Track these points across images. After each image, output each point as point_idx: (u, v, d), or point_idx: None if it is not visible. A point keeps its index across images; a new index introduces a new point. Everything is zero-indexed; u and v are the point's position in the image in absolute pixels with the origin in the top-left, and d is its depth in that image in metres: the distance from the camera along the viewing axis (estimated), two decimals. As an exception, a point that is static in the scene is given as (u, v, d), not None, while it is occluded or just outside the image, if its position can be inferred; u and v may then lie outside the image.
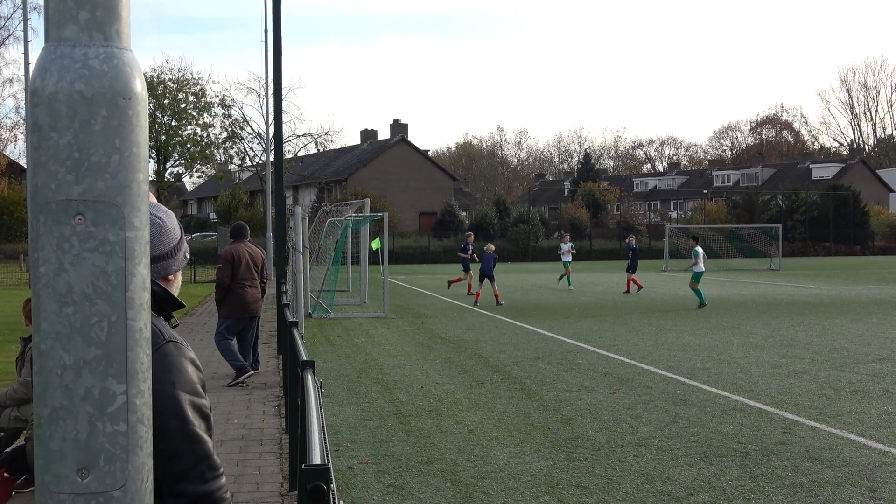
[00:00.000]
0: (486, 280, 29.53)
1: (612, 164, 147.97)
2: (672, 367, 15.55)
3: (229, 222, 75.05)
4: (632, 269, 34.60)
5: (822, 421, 11.12)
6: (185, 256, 3.09)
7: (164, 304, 2.95)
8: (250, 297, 14.24)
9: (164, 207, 3.10)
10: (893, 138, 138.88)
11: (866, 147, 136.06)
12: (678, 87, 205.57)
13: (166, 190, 70.88)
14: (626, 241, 37.48)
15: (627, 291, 34.46)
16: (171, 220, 3.06)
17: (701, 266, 28.80)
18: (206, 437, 2.77)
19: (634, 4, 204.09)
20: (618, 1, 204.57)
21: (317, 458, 3.43)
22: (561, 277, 38.19)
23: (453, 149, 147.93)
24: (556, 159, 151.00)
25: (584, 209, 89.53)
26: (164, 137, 67.00)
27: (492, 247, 30.87)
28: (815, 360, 16.29)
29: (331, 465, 3.31)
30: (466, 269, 33.91)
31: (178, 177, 75.32)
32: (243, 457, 9.56)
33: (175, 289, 3.07)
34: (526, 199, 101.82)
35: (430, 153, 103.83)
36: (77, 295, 1.68)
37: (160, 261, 2.95)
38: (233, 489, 8.30)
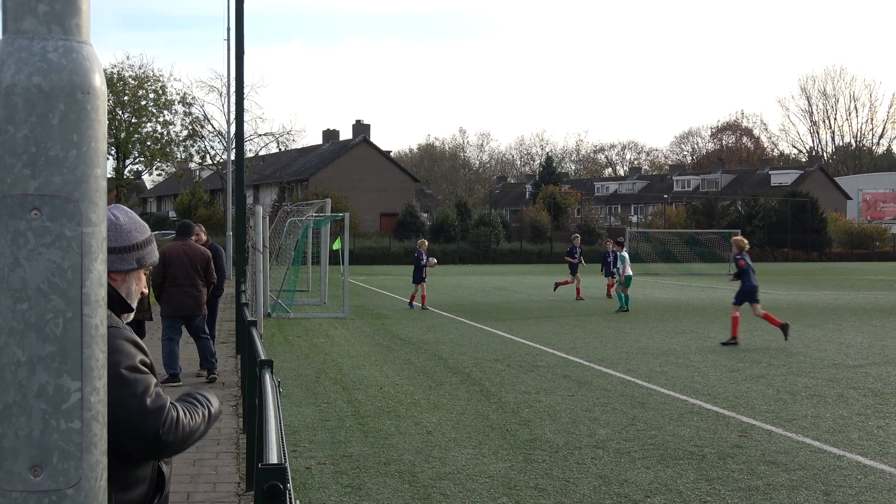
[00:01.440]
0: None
1: (573, 167, 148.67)
2: (630, 370, 15.62)
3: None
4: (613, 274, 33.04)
5: (778, 425, 11.21)
6: (139, 263, 3.19)
7: (112, 304, 3.02)
8: (182, 297, 14.02)
9: (131, 213, 3.19)
10: (851, 146, 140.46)
11: (825, 154, 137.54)
12: (640, 93, 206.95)
13: (126, 188, 70.30)
14: (611, 245, 34.84)
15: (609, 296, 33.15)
16: (131, 221, 3.15)
17: (629, 270, 28.67)
18: (158, 404, 2.97)
19: (597, 10, 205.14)
20: (581, 6, 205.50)
21: (273, 458, 3.41)
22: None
23: (415, 150, 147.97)
24: (518, 162, 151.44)
25: (545, 212, 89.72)
26: (123, 134, 66.38)
27: (424, 242, 29.56)
28: (772, 364, 16.43)
29: (288, 464, 3.30)
30: (574, 272, 32.97)
31: (138, 174, 74.57)
32: (200, 456, 9.50)
33: (125, 292, 3.13)
34: (487, 202, 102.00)
35: (392, 154, 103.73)
36: (32, 290, 1.66)
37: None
38: (189, 489, 8.26)
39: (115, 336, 2.91)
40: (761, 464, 9.31)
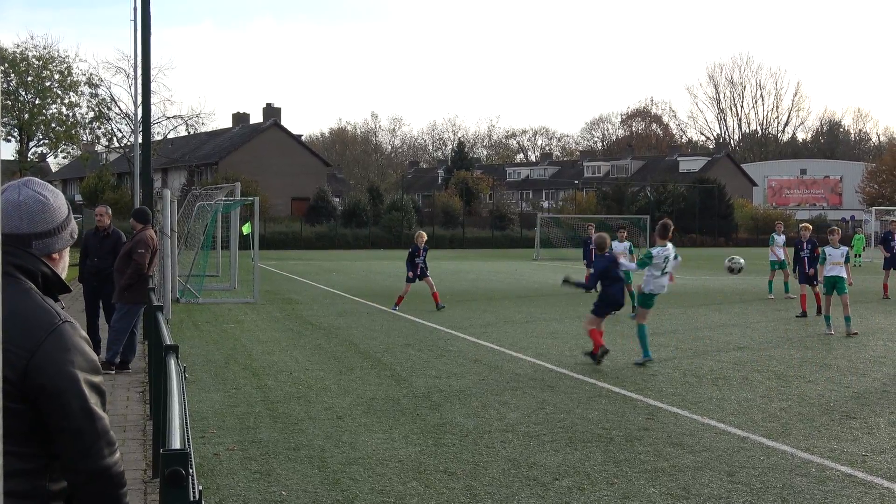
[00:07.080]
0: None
1: (485, 153, 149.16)
2: (541, 354, 15.73)
3: (95, 204, 73.03)
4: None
5: (684, 407, 11.38)
6: (72, 236, 3.12)
7: (51, 287, 2.95)
8: (147, 286, 13.81)
9: (50, 186, 3.09)
10: (758, 134, 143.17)
11: (732, 141, 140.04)
12: (551, 79, 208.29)
13: (29, 170, 68.78)
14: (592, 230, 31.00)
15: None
16: (57, 199, 3.07)
17: (780, 253, 26.59)
18: (103, 413, 2.89)
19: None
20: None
21: (177, 443, 3.36)
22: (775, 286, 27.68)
23: (327, 134, 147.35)
24: (431, 147, 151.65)
25: (457, 197, 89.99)
26: (27, 116, 64.94)
27: (423, 234, 24.52)
28: (679, 348, 16.68)
29: (191, 450, 3.26)
30: (890, 265, 28.23)
31: (43, 157, 73.05)
32: (105, 444, 9.33)
33: (61, 269, 3.07)
34: (400, 187, 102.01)
35: (303, 138, 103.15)
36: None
37: (43, 238, 2.95)
38: (93, 477, 8.09)
39: (76, 333, 2.85)
40: (667, 446, 9.44)
